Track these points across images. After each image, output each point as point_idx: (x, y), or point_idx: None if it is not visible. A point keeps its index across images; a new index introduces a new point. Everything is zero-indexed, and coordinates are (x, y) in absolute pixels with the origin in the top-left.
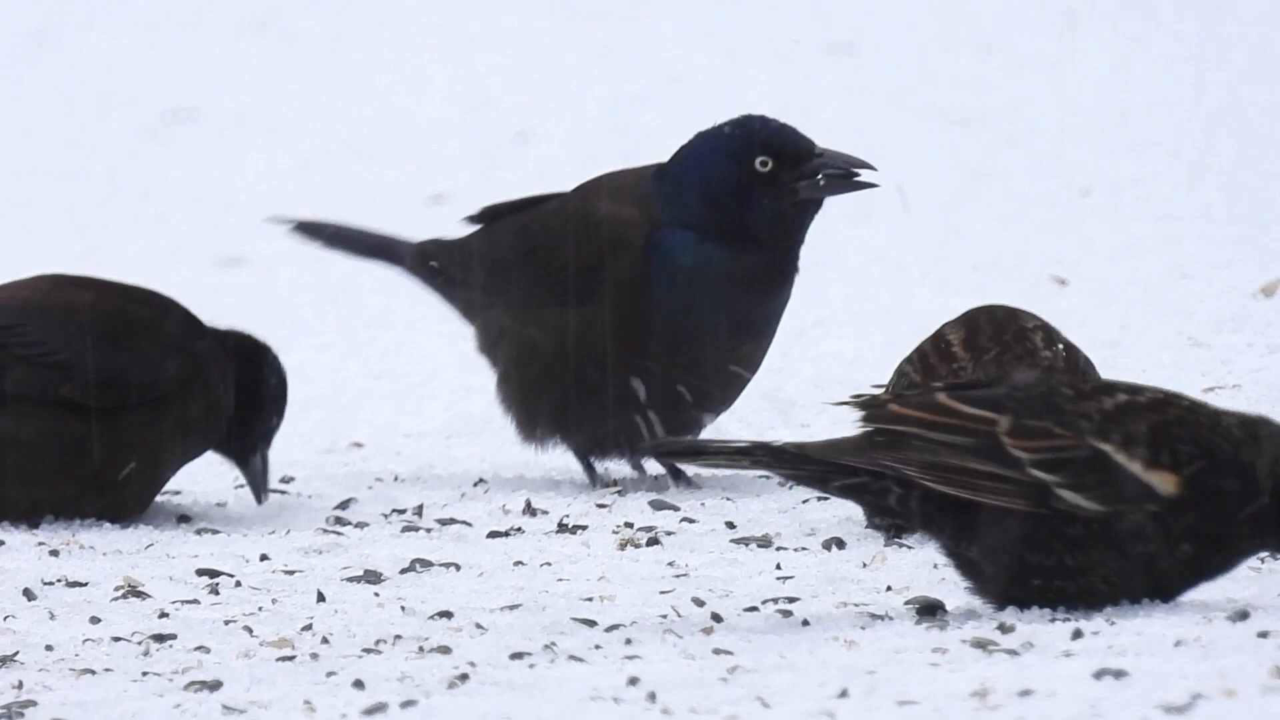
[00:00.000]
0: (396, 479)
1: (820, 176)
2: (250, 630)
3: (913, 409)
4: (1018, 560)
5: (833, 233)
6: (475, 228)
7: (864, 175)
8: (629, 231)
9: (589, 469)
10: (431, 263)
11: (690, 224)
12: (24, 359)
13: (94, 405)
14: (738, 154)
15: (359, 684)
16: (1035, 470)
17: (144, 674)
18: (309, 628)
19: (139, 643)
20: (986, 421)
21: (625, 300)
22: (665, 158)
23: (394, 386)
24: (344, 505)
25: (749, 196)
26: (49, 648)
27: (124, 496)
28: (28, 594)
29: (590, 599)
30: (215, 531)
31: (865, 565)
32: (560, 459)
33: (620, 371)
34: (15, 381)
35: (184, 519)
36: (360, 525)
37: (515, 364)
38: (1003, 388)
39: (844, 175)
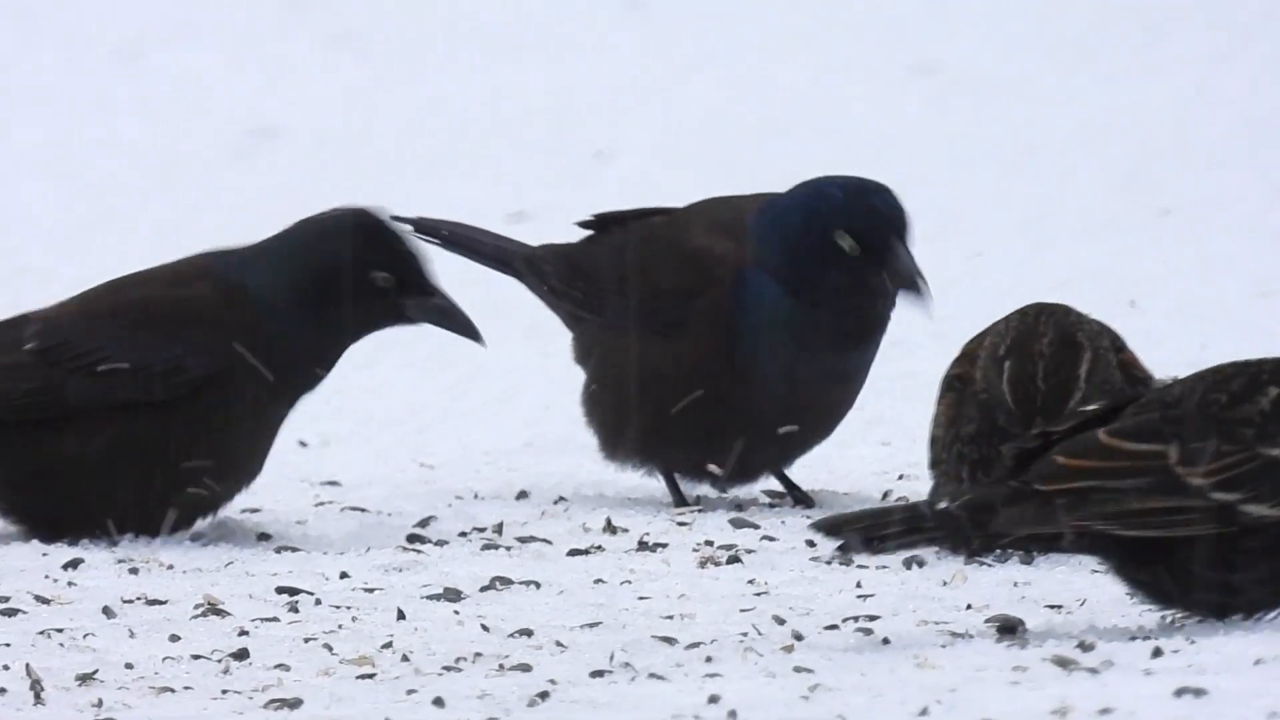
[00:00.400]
0: (476, 497)
1: (887, 277)
2: (330, 648)
3: (1080, 459)
4: (1208, 580)
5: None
6: (585, 234)
7: (922, 297)
8: (718, 268)
9: (674, 487)
10: (543, 268)
11: (772, 270)
12: (77, 371)
13: (159, 400)
14: (824, 219)
15: (439, 702)
16: (1216, 494)
17: (224, 692)
18: (389, 645)
19: (218, 661)
20: (1156, 455)
21: (710, 334)
22: (748, 176)
23: (474, 404)
24: (424, 523)
25: (823, 263)
26: (128, 666)
27: (209, 484)
28: (107, 612)
29: (670, 617)
30: (295, 549)
31: (945, 584)
32: (640, 477)
33: (703, 404)
34: (76, 395)
35: (263, 537)
36: (440, 543)
37: (603, 383)
38: (1156, 409)
39: (909, 283)
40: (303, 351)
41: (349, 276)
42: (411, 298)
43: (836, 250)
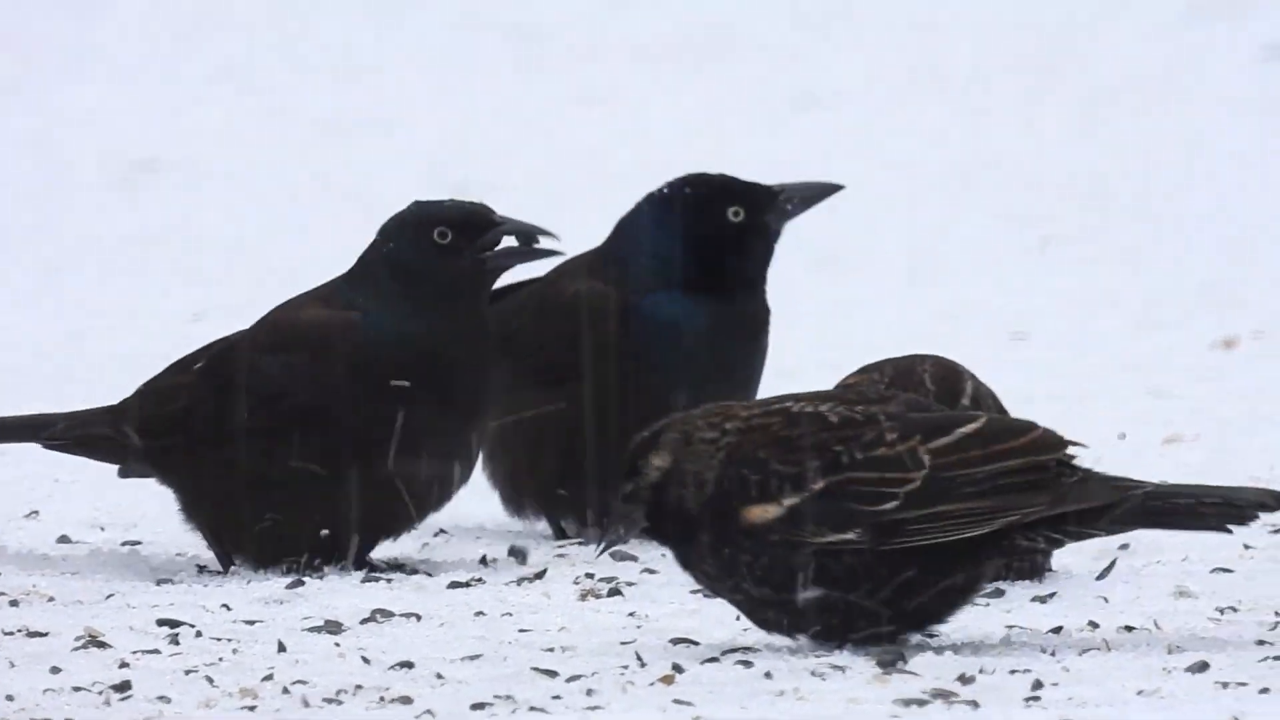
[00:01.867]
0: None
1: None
2: (211, 680)
3: None
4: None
5: (798, 283)
6: None
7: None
8: (604, 304)
9: (554, 522)
10: None
11: (668, 283)
12: (223, 393)
13: (270, 425)
14: (705, 206)
15: None
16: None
17: None
18: (270, 678)
19: (99, 693)
20: None
21: (610, 371)
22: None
23: None
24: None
25: (726, 242)
26: (9, 698)
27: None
28: None
29: (551, 649)
30: (176, 581)
31: None
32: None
33: (609, 445)
34: (219, 416)
35: (145, 569)
36: (321, 575)
37: (500, 446)
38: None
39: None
40: (425, 350)
41: (415, 253)
42: (483, 242)
43: (732, 224)
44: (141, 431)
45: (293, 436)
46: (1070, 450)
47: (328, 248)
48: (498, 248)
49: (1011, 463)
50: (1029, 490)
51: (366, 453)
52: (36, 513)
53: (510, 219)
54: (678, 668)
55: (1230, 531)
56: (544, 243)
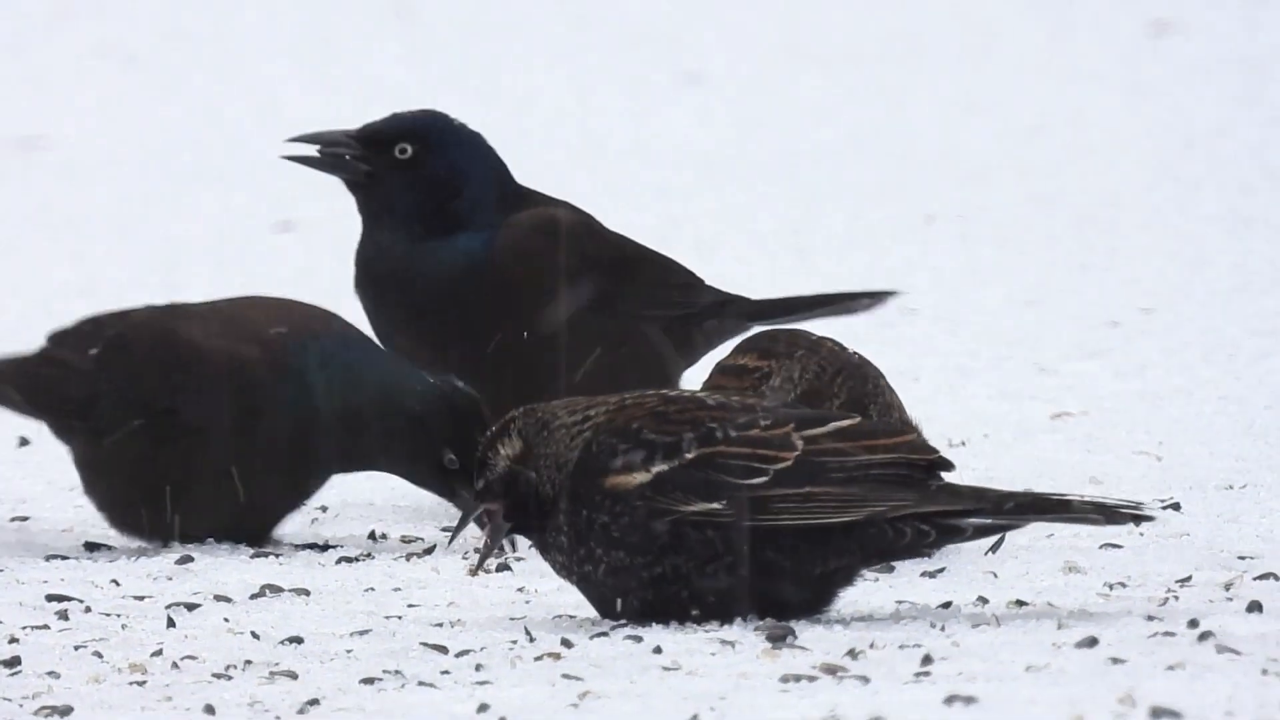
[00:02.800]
0: None
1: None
2: (100, 655)
3: None
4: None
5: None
6: None
7: None
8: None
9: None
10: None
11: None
12: (111, 389)
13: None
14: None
15: (209, 709)
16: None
17: None
18: (159, 653)
19: None
20: None
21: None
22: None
23: None
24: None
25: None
26: None
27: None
28: None
29: (440, 624)
30: (64, 557)
31: None
32: (408, 486)
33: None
34: (103, 408)
35: (33, 545)
36: (210, 551)
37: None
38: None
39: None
40: (322, 459)
41: (422, 444)
42: (463, 487)
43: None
44: (31, 402)
45: (180, 440)
46: (937, 459)
47: (207, 228)
48: (464, 498)
49: (882, 456)
50: (898, 485)
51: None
52: None
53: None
54: (567, 643)
55: (1083, 521)
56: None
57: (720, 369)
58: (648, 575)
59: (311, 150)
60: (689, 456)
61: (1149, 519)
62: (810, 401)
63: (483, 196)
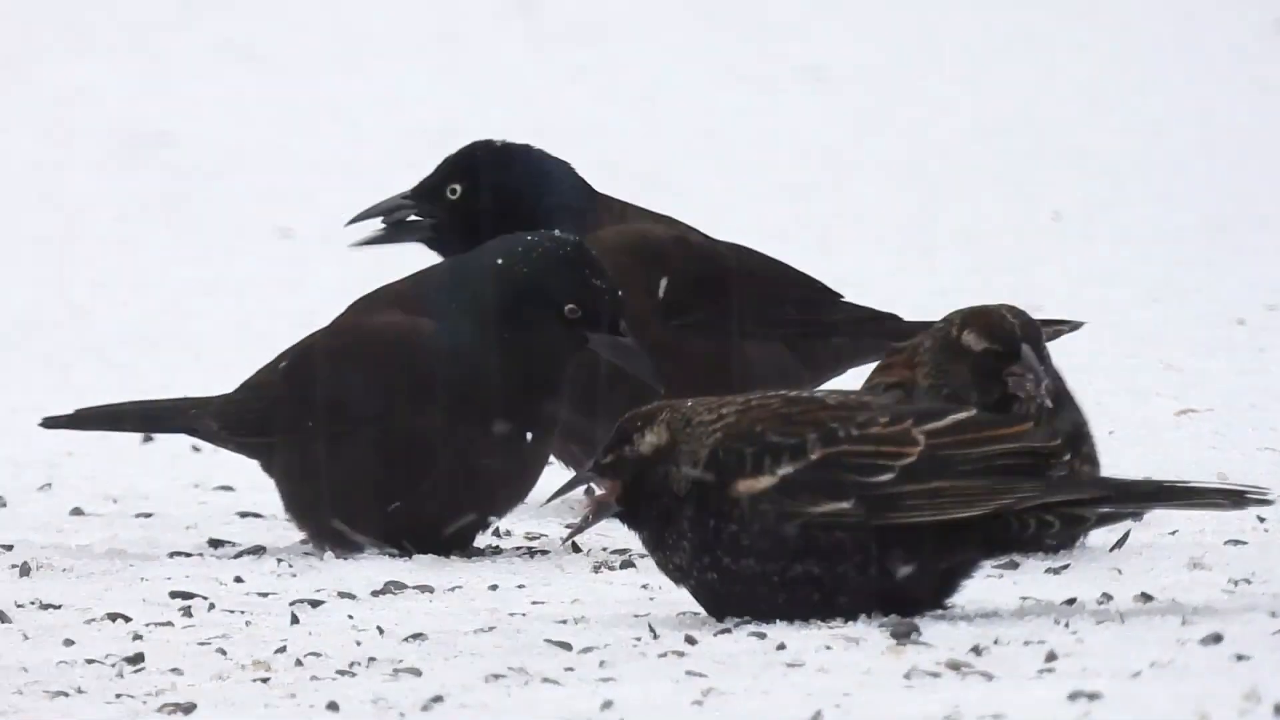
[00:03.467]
0: None
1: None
2: (224, 652)
3: None
4: None
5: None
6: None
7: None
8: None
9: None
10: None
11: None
12: (293, 395)
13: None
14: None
15: (333, 706)
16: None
17: (117, 696)
18: (283, 650)
19: (112, 665)
20: None
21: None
22: (633, 179)
23: None
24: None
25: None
26: (23, 669)
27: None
28: (1, 616)
29: (564, 621)
30: (188, 554)
31: None
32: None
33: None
34: (283, 417)
35: (158, 541)
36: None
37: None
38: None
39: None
40: (491, 383)
41: (535, 311)
42: (597, 333)
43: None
44: (226, 428)
45: (360, 440)
46: (1056, 448)
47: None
48: (600, 338)
49: (1004, 446)
50: (1022, 476)
51: (426, 460)
52: (49, 485)
53: (630, 339)
54: (691, 640)
55: (1206, 508)
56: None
57: (894, 350)
58: (779, 580)
59: (375, 224)
60: (813, 457)
61: (1271, 503)
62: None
63: (552, 211)
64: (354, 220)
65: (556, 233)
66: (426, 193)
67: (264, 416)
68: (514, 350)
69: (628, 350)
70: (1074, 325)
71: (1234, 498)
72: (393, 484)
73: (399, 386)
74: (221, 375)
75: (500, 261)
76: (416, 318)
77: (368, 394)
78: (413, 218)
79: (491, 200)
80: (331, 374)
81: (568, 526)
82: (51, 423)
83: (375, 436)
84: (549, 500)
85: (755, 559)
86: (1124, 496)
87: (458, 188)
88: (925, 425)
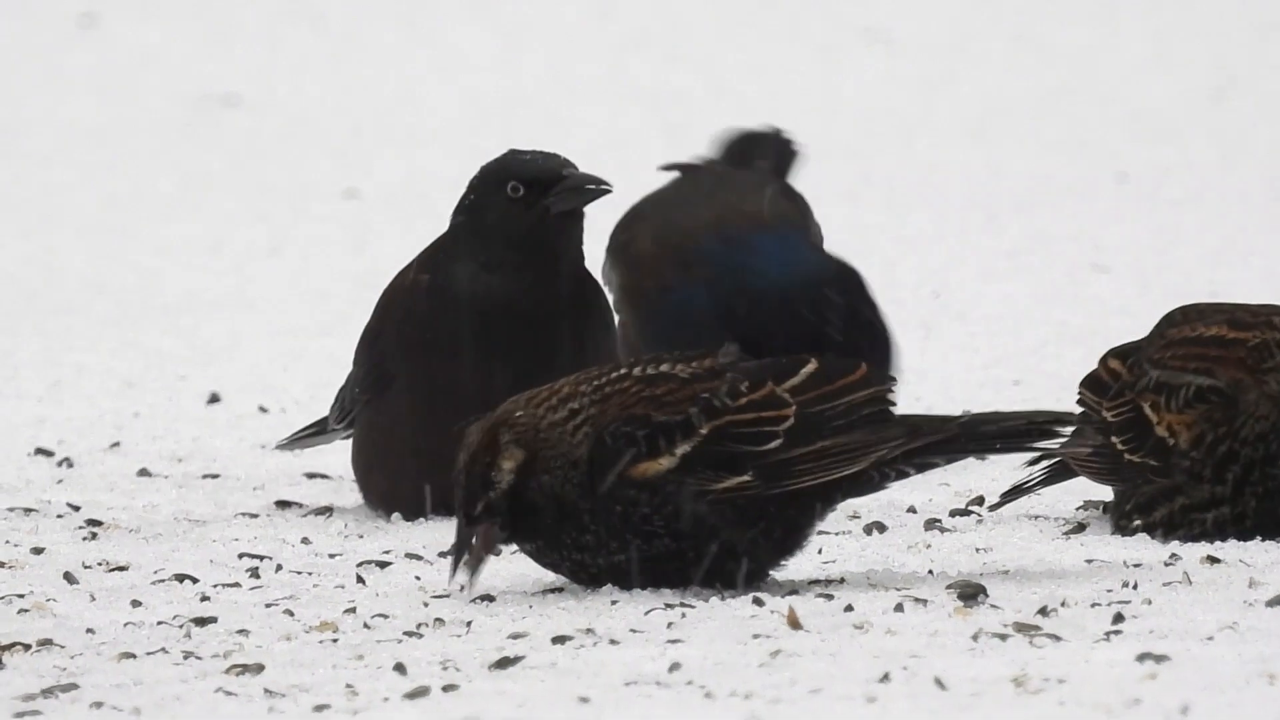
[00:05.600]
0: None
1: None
2: (291, 614)
3: None
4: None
5: (865, 222)
6: None
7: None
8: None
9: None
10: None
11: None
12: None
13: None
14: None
15: (400, 668)
16: None
17: (185, 657)
18: (350, 611)
19: (180, 626)
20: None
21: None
22: (701, 149)
23: None
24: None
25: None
26: (90, 631)
27: None
28: (68, 578)
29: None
30: (255, 515)
31: (908, 549)
32: None
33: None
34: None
35: (225, 502)
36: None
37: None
38: None
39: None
40: (489, 306)
41: (490, 208)
42: (553, 194)
43: (512, 201)
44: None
45: (396, 400)
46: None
47: (394, 186)
48: (554, 191)
49: (858, 394)
50: (883, 424)
51: (451, 409)
52: (117, 444)
53: (576, 171)
54: (758, 601)
55: (1043, 450)
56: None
57: (1186, 340)
58: (694, 555)
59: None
60: (703, 432)
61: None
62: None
63: None
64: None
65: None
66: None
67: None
68: (502, 261)
69: (573, 188)
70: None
71: (1077, 431)
72: (431, 436)
73: (407, 342)
74: (286, 337)
75: (464, 194)
76: (417, 275)
77: (391, 353)
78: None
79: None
80: (365, 342)
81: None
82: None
83: (406, 394)
84: (453, 580)
85: (670, 538)
86: (974, 440)
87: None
88: (785, 383)
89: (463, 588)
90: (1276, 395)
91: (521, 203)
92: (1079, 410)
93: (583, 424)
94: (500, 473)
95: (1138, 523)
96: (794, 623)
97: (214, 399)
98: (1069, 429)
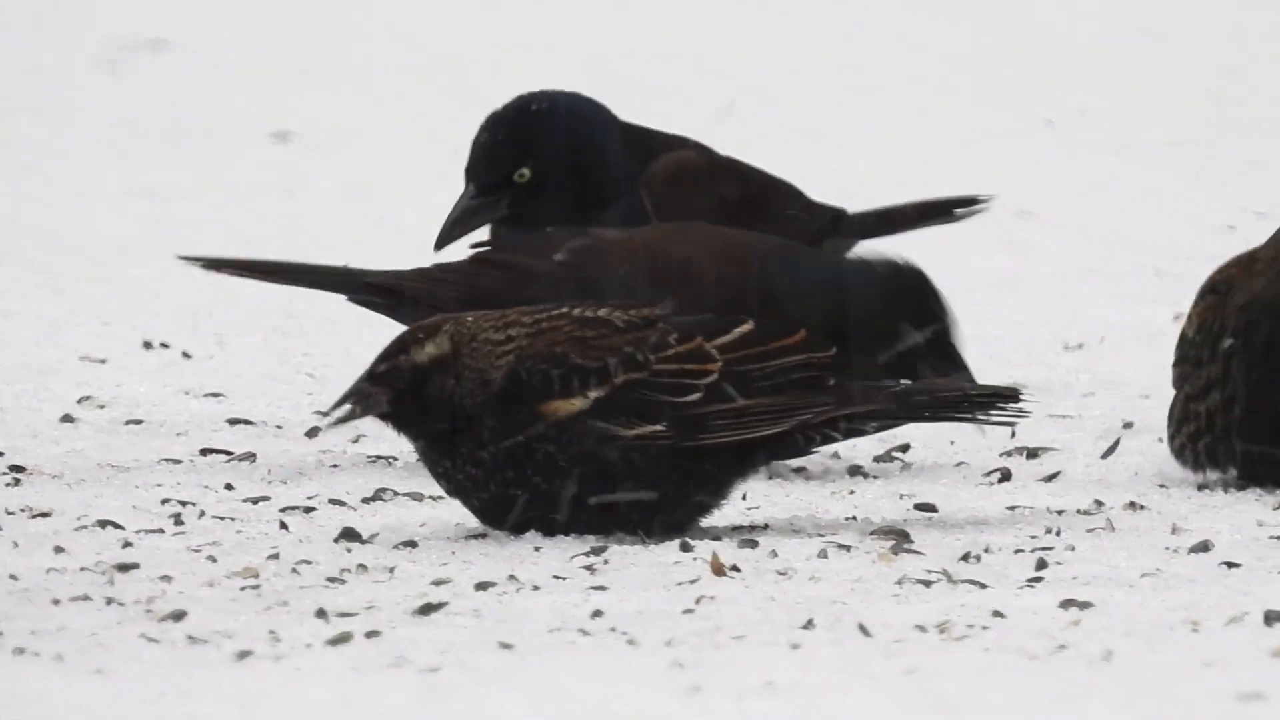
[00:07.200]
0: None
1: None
2: (214, 560)
3: None
4: None
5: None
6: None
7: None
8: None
9: None
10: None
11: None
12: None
13: None
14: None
15: (323, 614)
16: None
17: (108, 603)
18: (274, 557)
19: (103, 572)
20: None
21: None
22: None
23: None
24: (312, 434)
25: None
26: (13, 577)
27: None
28: None
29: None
30: (179, 461)
31: (832, 495)
32: None
33: None
34: None
35: (148, 448)
36: (325, 453)
37: None
38: None
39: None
40: None
41: (886, 335)
42: (936, 365)
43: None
44: None
45: None
46: (834, 356)
47: (332, 127)
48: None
49: (791, 358)
50: (813, 389)
51: None
52: (40, 392)
53: (969, 373)
54: (685, 547)
55: (980, 422)
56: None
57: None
58: (595, 501)
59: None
60: (618, 381)
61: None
62: None
63: (612, 165)
64: (439, 243)
65: (895, 258)
66: (494, 186)
67: None
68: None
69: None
70: (978, 202)
71: (1013, 408)
72: None
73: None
74: (213, 283)
75: (860, 282)
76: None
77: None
78: (477, 199)
79: (564, 174)
80: None
81: (322, 413)
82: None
83: None
84: (328, 416)
85: (573, 481)
86: (904, 409)
87: (526, 172)
88: (715, 340)
89: (328, 425)
90: (1259, 290)
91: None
92: None
93: (509, 351)
94: (420, 350)
95: (1173, 436)
96: (718, 569)
97: (147, 345)
98: (1005, 402)
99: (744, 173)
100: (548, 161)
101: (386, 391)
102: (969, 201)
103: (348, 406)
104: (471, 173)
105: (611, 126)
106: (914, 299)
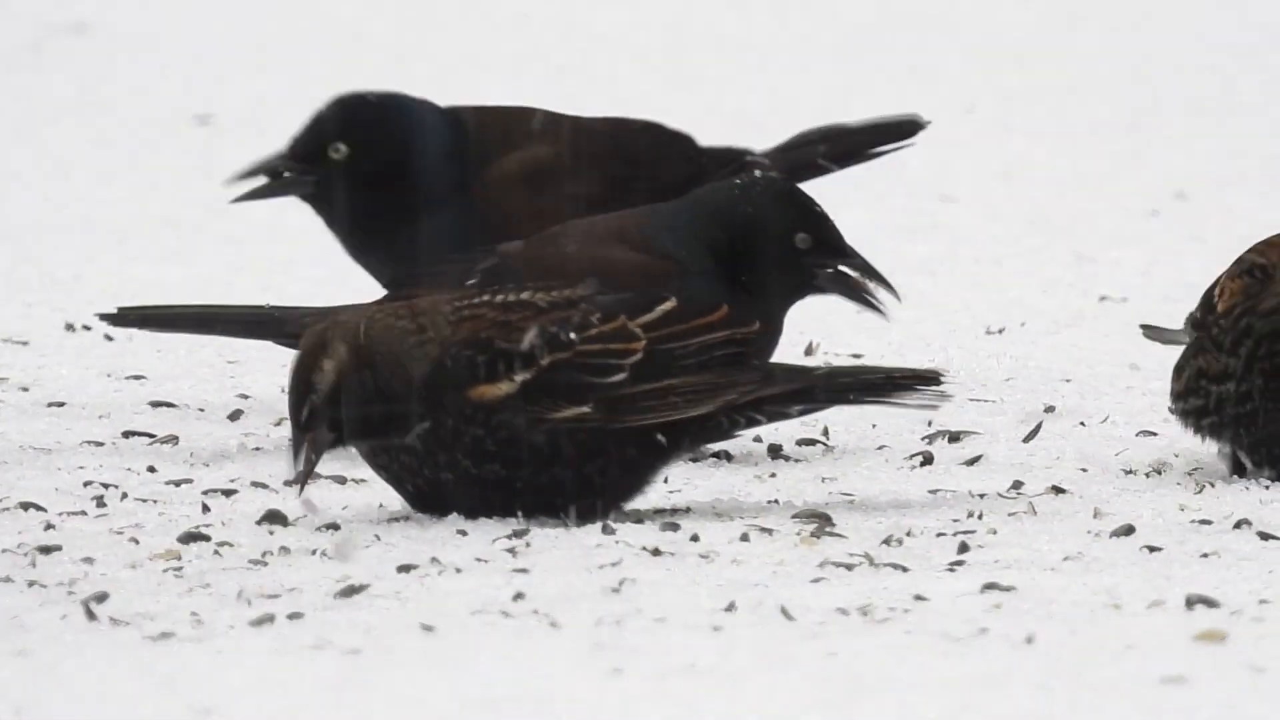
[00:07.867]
0: (284, 391)
1: (835, 273)
2: (137, 542)
3: None
4: None
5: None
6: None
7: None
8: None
9: None
10: None
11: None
12: None
13: None
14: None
15: (245, 596)
16: None
17: (30, 585)
18: (196, 539)
19: (25, 554)
20: None
21: None
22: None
23: (286, 296)
24: (234, 416)
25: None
26: None
27: None
28: None
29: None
30: (101, 444)
31: (754, 478)
32: None
33: None
34: None
35: (71, 431)
36: (248, 436)
37: None
38: None
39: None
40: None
41: (772, 240)
42: (826, 263)
43: (795, 252)
44: None
45: None
46: (751, 332)
47: (249, 110)
48: (828, 272)
49: (713, 335)
50: (736, 367)
51: None
52: None
53: (861, 256)
54: (607, 529)
55: (897, 404)
56: (880, 298)
57: None
58: (523, 485)
59: (259, 180)
60: (544, 363)
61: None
62: None
63: (437, 158)
64: (236, 178)
65: (757, 174)
66: (307, 154)
67: None
68: (752, 287)
69: (850, 283)
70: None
71: (935, 391)
72: None
73: None
74: (135, 264)
75: (723, 204)
76: (661, 259)
77: None
78: (294, 175)
79: (379, 159)
80: None
81: (290, 483)
82: (116, 320)
83: None
84: (295, 485)
85: (500, 464)
86: (827, 391)
87: (341, 147)
88: (639, 319)
89: (299, 492)
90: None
91: (800, 254)
92: None
93: (427, 342)
94: (321, 374)
95: (1177, 394)
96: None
97: (69, 328)
98: (927, 385)
99: (607, 128)
100: (362, 145)
101: (321, 427)
102: (904, 125)
103: (301, 464)
104: (292, 139)
105: (439, 126)
106: (786, 202)
